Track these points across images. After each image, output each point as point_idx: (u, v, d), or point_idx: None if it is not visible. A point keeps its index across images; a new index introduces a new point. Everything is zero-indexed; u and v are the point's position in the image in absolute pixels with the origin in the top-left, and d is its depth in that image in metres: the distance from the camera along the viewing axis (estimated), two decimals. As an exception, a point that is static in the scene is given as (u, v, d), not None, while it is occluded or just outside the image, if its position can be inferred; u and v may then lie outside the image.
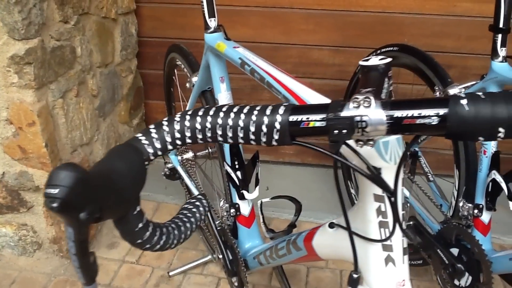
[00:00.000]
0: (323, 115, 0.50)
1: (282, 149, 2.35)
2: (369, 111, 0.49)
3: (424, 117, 0.47)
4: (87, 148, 1.80)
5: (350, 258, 0.71)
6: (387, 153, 0.62)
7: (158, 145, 0.56)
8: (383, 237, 0.66)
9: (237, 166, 1.27)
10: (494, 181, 1.27)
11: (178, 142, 0.57)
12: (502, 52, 1.25)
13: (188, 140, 0.57)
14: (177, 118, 0.56)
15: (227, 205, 1.33)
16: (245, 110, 0.54)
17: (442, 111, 0.47)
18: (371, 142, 0.52)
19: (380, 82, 0.57)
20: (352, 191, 1.98)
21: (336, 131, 0.49)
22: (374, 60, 0.60)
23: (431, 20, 2.00)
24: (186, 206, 0.70)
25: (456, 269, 1.35)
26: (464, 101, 0.46)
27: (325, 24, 2.05)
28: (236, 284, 1.34)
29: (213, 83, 1.23)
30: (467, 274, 1.33)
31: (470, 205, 1.35)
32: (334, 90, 2.14)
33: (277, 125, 0.52)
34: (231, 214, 1.32)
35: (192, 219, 0.68)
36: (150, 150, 0.55)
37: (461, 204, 1.37)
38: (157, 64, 2.08)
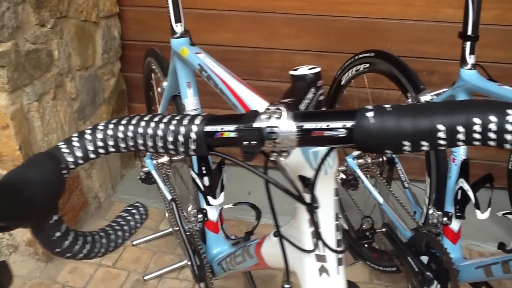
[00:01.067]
0: (236, 126, 0.50)
1: (266, 154, 2.34)
2: (279, 122, 0.48)
3: (332, 129, 0.47)
4: (65, 151, 1.80)
5: (293, 267, 0.71)
6: (317, 164, 0.61)
7: (79, 153, 0.55)
8: (317, 248, 0.66)
9: (204, 172, 1.27)
10: (462, 189, 1.26)
11: (101, 150, 0.56)
12: (470, 59, 1.25)
13: (112, 149, 0.56)
14: (100, 127, 0.56)
15: (195, 210, 1.33)
16: (164, 120, 0.54)
17: (349, 124, 0.46)
18: (284, 154, 0.51)
19: (302, 92, 0.57)
20: (332, 196, 1.97)
21: (246, 142, 0.49)
22: (303, 70, 0.60)
23: (414, 26, 1.99)
24: (121, 213, 0.69)
25: (425, 277, 1.34)
26: (370, 114, 0.45)
27: (307, 29, 2.05)
28: (204, 289, 1.34)
29: (180, 88, 1.23)
30: (436, 282, 1.32)
31: (439, 212, 1.34)
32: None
33: (193, 135, 0.52)
34: (199, 220, 1.31)
35: (126, 227, 0.67)
36: (70, 159, 0.55)
37: (431, 211, 1.37)
38: (141, 67, 2.09)
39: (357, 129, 0.46)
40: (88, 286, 1.72)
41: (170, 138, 0.53)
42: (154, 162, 1.66)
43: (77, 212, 1.90)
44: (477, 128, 0.43)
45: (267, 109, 0.49)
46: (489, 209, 1.23)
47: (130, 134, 0.54)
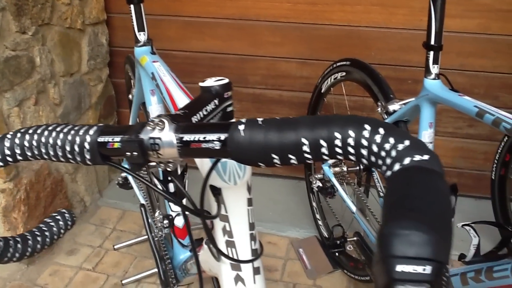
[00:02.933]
0: (121, 137, 0.51)
1: (253, 160, 2.35)
2: (162, 134, 0.49)
3: (208, 141, 0.48)
4: (48, 156, 1.84)
5: (217, 275, 0.72)
6: (226, 174, 0.62)
7: None
8: (230, 257, 0.66)
9: (168, 178, 1.28)
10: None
11: (9, 159, 0.58)
12: (434, 69, 1.24)
13: (19, 157, 0.58)
14: (9, 136, 0.58)
15: (161, 216, 1.34)
16: (65, 130, 0.55)
17: (223, 136, 0.47)
18: (170, 165, 0.52)
19: (202, 104, 0.58)
20: (314, 204, 1.98)
21: (129, 153, 0.50)
22: (210, 82, 0.61)
23: (397, 34, 1.99)
24: (46, 219, 0.71)
25: (391, 287, 1.34)
26: (241, 127, 0.46)
27: (291, 37, 2.06)
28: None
29: (145, 96, 1.25)
30: (401, 292, 1.32)
31: (405, 222, 1.33)
32: (303, 103, 2.14)
33: (87, 145, 0.53)
34: (164, 226, 1.33)
35: (47, 233, 0.69)
36: None
37: (397, 221, 1.36)
38: (129, 73, 2.12)
39: (230, 142, 0.46)
40: (66, 289, 1.75)
41: (68, 148, 0.54)
42: (131, 167, 1.68)
43: (61, 215, 1.93)
44: (338, 142, 0.44)
45: (151, 120, 0.50)
46: (452, 220, 1.22)
47: (34, 143, 0.56)
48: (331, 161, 1.68)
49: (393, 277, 0.30)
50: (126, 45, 2.22)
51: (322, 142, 0.44)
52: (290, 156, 0.45)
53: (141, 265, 1.86)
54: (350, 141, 0.43)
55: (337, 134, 0.44)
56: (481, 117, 1.06)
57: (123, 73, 2.25)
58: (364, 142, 0.42)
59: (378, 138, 0.42)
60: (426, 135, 1.25)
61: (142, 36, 1.21)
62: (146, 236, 1.96)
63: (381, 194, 1.61)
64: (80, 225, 2.05)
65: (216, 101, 0.60)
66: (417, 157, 0.38)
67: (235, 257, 0.66)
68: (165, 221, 1.33)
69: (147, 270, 1.81)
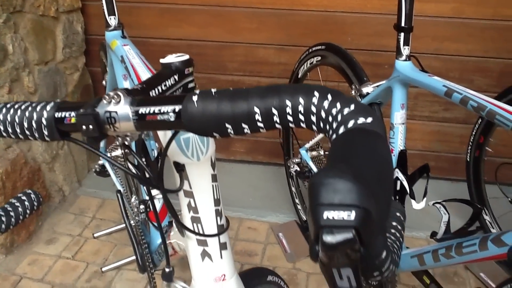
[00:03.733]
0: (77, 111, 0.51)
1: (233, 147, 2.36)
2: (118, 107, 0.50)
3: (163, 113, 0.48)
4: (24, 145, 1.82)
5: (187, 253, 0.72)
6: (189, 150, 0.63)
7: None
8: (194, 231, 0.67)
9: (144, 163, 1.28)
10: (397, 179, 1.27)
11: None
12: (405, 50, 1.26)
13: None
14: None
15: (137, 201, 1.34)
16: (23, 107, 0.55)
17: (177, 108, 0.47)
18: (127, 138, 0.53)
19: (160, 79, 0.58)
20: (293, 188, 1.99)
21: (84, 127, 0.50)
22: (171, 58, 0.61)
23: (373, 19, 2.00)
24: (11, 200, 0.71)
25: (366, 267, 1.36)
26: (195, 98, 0.47)
27: (268, 23, 2.06)
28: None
29: (117, 81, 1.25)
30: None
31: (379, 203, 1.35)
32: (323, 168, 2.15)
33: (44, 121, 0.53)
34: (141, 211, 1.33)
35: (12, 213, 0.68)
36: None
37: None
38: (106, 62, 2.11)
39: (184, 113, 0.47)
40: (46, 278, 1.74)
41: (26, 125, 0.54)
42: (108, 155, 1.67)
43: (39, 205, 1.91)
44: (288, 110, 0.45)
45: (107, 94, 0.50)
46: (425, 199, 1.24)
47: None
48: (308, 145, 1.70)
49: (320, 224, 0.31)
50: (102, 33, 2.19)
51: (274, 110, 0.45)
52: (243, 125, 0.46)
53: (121, 252, 1.86)
54: (300, 108, 0.44)
55: (287, 102, 0.44)
56: (449, 96, 1.08)
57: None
58: (313, 109, 0.43)
59: (326, 104, 0.42)
60: (398, 116, 1.27)
61: (112, 21, 1.20)
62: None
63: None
64: (59, 215, 2.03)
65: (175, 76, 0.60)
66: (361, 120, 0.39)
67: (201, 233, 0.67)
68: (141, 206, 1.33)
69: (127, 257, 1.81)
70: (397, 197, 1.31)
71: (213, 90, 0.48)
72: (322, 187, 0.31)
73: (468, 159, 1.86)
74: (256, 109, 0.45)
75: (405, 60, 1.25)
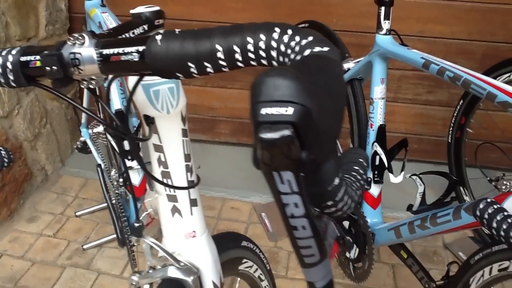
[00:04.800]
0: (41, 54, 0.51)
1: (217, 129, 2.35)
2: (82, 49, 0.49)
3: (127, 53, 0.48)
4: (6, 122, 1.80)
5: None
6: (158, 102, 0.63)
7: None
8: (167, 187, 0.67)
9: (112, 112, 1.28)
10: (376, 153, 1.28)
11: None
12: (385, 24, 1.26)
13: None
14: None
15: (117, 174, 1.34)
16: None
17: (141, 48, 0.47)
18: (93, 82, 0.52)
19: (128, 27, 0.58)
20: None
21: (48, 68, 0.50)
22: (141, 9, 0.61)
23: (358, 0, 2.00)
24: None
25: (345, 241, 1.37)
26: (158, 37, 0.47)
27: (254, 3, 2.05)
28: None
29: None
30: (355, 246, 1.35)
31: (359, 178, 1.36)
32: (266, 70, 2.14)
33: (10, 66, 0.52)
34: (120, 184, 1.33)
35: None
36: None
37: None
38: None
39: (147, 53, 0.47)
40: (26, 255, 1.73)
41: None
42: (90, 131, 1.67)
43: (20, 183, 1.90)
44: (250, 47, 0.45)
45: (72, 36, 0.50)
46: (402, 173, 1.26)
47: None
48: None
49: (258, 120, 0.31)
50: (86, 11, 2.18)
51: (236, 48, 0.45)
52: (206, 64, 0.46)
53: (103, 230, 1.85)
54: (261, 44, 0.44)
55: (249, 39, 0.44)
56: (427, 67, 1.09)
57: (84, 41, 2.22)
58: (274, 44, 0.43)
59: (286, 38, 0.43)
60: (378, 91, 1.28)
61: (92, -11, 1.18)
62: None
63: (338, 154, 1.64)
64: (41, 193, 2.02)
65: (145, 26, 0.60)
66: (317, 49, 0.40)
67: (169, 184, 0.67)
68: (121, 179, 1.33)
69: (109, 235, 1.80)
70: (376, 172, 1.32)
71: (177, 30, 0.48)
72: (263, 84, 0.32)
73: (450, 140, 1.88)
74: (219, 47, 0.45)
75: (386, 34, 1.26)
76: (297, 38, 0.42)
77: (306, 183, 0.40)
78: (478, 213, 0.59)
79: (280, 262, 1.75)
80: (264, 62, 0.45)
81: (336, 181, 0.41)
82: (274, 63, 0.44)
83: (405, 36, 2.02)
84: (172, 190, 0.67)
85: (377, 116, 1.30)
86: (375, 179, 1.32)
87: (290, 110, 0.30)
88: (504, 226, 0.57)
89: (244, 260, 0.91)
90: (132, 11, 0.60)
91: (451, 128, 1.87)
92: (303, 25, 1.65)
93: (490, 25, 1.96)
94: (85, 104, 1.68)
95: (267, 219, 1.92)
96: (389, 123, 2.21)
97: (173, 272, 0.68)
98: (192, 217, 0.69)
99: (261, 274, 0.99)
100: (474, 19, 1.96)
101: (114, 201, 1.36)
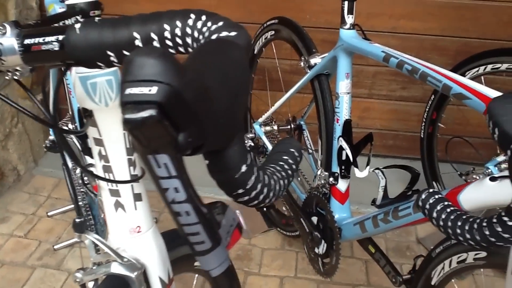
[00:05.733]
0: None
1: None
2: (3, 39, 0.48)
3: (47, 43, 0.47)
4: (-26, 121, 1.77)
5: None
6: (96, 95, 0.62)
7: None
8: (98, 175, 0.66)
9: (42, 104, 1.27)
10: (342, 148, 1.28)
11: None
12: (349, 19, 1.26)
13: None
14: None
15: (78, 169, 1.33)
16: None
17: (61, 37, 0.46)
18: (17, 73, 0.51)
19: (61, 18, 0.57)
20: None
21: None
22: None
23: (331, -4, 1.99)
24: None
25: (313, 237, 1.37)
26: (77, 26, 0.46)
27: (227, 0, 2.04)
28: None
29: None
30: (323, 241, 1.35)
31: (326, 173, 1.36)
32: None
33: None
34: (85, 182, 1.31)
35: None
36: None
37: (319, 172, 1.39)
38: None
39: (67, 42, 0.46)
40: (-4, 256, 1.71)
41: None
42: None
43: (-9, 183, 1.88)
44: (167, 34, 0.44)
45: None
46: (368, 167, 1.26)
47: None
48: (261, 120, 1.69)
49: (122, 101, 0.30)
50: (58, 9, 2.15)
51: (153, 35, 0.44)
52: (125, 52, 0.45)
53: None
54: (177, 31, 0.43)
55: (166, 26, 0.44)
56: (387, 61, 1.09)
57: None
58: (189, 30, 0.43)
59: (199, 24, 0.42)
60: (343, 85, 1.27)
61: (51, -16, 1.17)
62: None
63: (310, 150, 1.64)
64: (13, 194, 1.99)
65: (79, 17, 0.59)
66: (224, 33, 0.39)
67: (110, 179, 0.66)
68: (85, 179, 1.31)
69: (81, 235, 1.78)
70: (343, 167, 1.32)
71: (97, 18, 0.47)
72: (129, 63, 0.31)
73: (422, 136, 1.89)
74: (136, 35, 0.44)
75: (349, 28, 1.26)
76: (209, 24, 0.41)
77: (211, 170, 0.40)
78: (420, 203, 0.59)
79: (253, 259, 1.74)
80: (181, 49, 0.44)
81: (243, 168, 0.40)
82: (190, 50, 0.43)
83: (378, 32, 2.05)
84: (114, 184, 0.66)
85: (343, 111, 1.30)
86: (342, 174, 1.32)
87: (154, 90, 0.30)
88: (443, 216, 0.57)
89: (201, 256, 0.90)
90: (66, 2, 0.59)
91: (423, 124, 1.88)
92: (272, 21, 1.65)
93: (462, 21, 1.98)
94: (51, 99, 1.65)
95: (241, 216, 1.91)
96: (365, 120, 2.23)
97: (116, 268, 0.67)
98: (137, 212, 0.68)
99: (221, 270, 0.98)
100: (447, 15, 1.97)
101: (80, 200, 1.34)
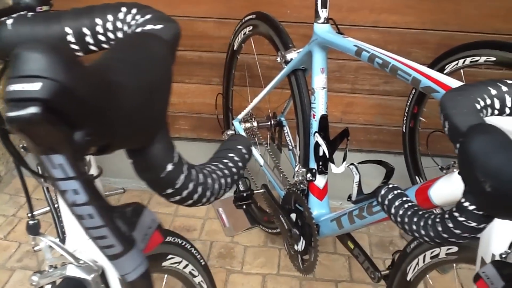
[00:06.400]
0: None
1: (177, 124, 2.32)
2: None
3: None
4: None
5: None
6: None
7: None
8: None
9: None
10: (318, 144, 1.27)
11: None
12: (323, 13, 1.25)
13: None
14: None
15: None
16: None
17: None
18: None
19: (5, 13, 0.55)
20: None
21: None
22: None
23: (312, -9, 1.98)
24: None
25: (292, 233, 1.36)
26: (9, 21, 0.44)
27: (208, -5, 2.03)
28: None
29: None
30: (302, 238, 1.34)
31: (303, 169, 1.35)
32: (223, 64, 2.11)
33: None
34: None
35: None
36: None
37: (296, 169, 1.37)
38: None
39: None
40: (-26, 259, 1.69)
41: None
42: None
43: (-31, 185, 1.85)
44: (99, 29, 0.42)
45: None
46: (344, 163, 1.24)
47: None
48: (240, 116, 1.68)
49: (5, 98, 0.29)
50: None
51: (85, 30, 0.43)
52: None
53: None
54: (109, 25, 0.42)
55: (98, 20, 0.42)
56: (359, 55, 1.07)
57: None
58: (119, 25, 0.41)
59: (129, 18, 0.41)
60: (319, 80, 1.26)
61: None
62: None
63: (290, 147, 1.63)
64: (-7, 195, 1.97)
65: (22, 13, 0.57)
66: (149, 27, 0.38)
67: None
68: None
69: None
70: (320, 163, 1.30)
71: (31, 14, 0.45)
72: (15, 58, 0.29)
73: (404, 130, 1.88)
74: (68, 30, 0.43)
75: (323, 22, 1.24)
76: (138, 17, 0.40)
77: (135, 169, 0.38)
78: (379, 199, 0.58)
79: (235, 257, 1.73)
80: (106, 46, 0.43)
81: (169, 167, 0.38)
82: (110, 44, 0.42)
83: (359, 27, 2.04)
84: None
85: (319, 106, 1.29)
86: (320, 170, 1.31)
87: (37, 86, 0.28)
88: (401, 212, 0.55)
89: (170, 256, 0.89)
90: (12, -2, 0.57)
91: (405, 118, 1.87)
92: (250, 16, 1.63)
93: (443, 14, 1.96)
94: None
95: (224, 214, 1.90)
96: (348, 115, 2.22)
97: (72, 271, 0.65)
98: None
99: (193, 269, 0.97)
100: (427, 8, 1.96)
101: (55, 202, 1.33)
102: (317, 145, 1.27)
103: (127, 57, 0.33)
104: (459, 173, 0.46)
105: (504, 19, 1.92)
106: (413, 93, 1.78)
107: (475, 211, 0.44)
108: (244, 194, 1.49)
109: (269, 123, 1.67)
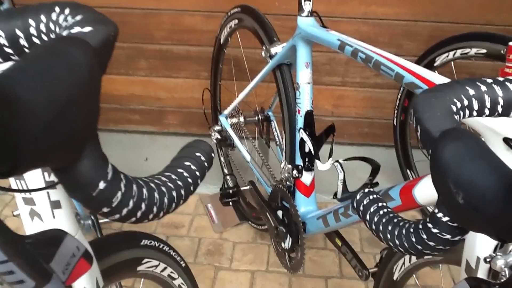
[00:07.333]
0: None
1: (166, 120, 2.29)
2: None
3: None
4: None
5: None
6: None
7: None
8: (21, 189, 0.61)
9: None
10: (303, 141, 1.24)
11: None
12: (306, 6, 1.21)
13: None
14: None
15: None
16: None
17: None
18: None
19: None
20: (222, 158, 1.95)
21: None
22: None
23: (300, -18, 1.94)
24: None
25: (279, 231, 1.33)
26: None
27: (193, -12, 1.98)
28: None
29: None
30: (288, 236, 1.31)
31: (289, 166, 1.32)
32: (211, 58, 2.08)
33: None
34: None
35: None
36: None
37: (282, 165, 1.35)
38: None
39: None
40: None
41: None
42: None
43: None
44: (33, 31, 0.39)
45: None
46: (330, 159, 1.21)
47: None
48: (227, 111, 1.65)
49: None
50: (32, 2, 2.08)
51: (19, 32, 0.39)
52: None
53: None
54: (42, 27, 0.39)
55: (31, 21, 0.39)
56: (342, 49, 1.04)
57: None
58: (52, 26, 0.38)
59: (61, 19, 0.37)
60: (303, 75, 1.23)
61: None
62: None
63: (277, 143, 1.60)
64: (-21, 194, 1.94)
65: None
66: (76, 29, 0.34)
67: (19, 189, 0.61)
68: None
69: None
70: (306, 159, 1.28)
71: None
72: None
73: (395, 123, 1.85)
74: (0, 32, 0.39)
75: (307, 16, 1.21)
76: (69, 18, 0.36)
77: (65, 189, 0.35)
78: (355, 205, 0.55)
79: (224, 254, 1.71)
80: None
81: (101, 185, 0.35)
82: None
83: (349, 18, 2.00)
84: (27, 192, 0.61)
85: (304, 102, 1.25)
86: (306, 166, 1.28)
87: None
88: (375, 219, 0.53)
89: (146, 260, 0.86)
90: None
91: (395, 111, 1.85)
92: (235, 9, 1.60)
93: (434, 5, 1.93)
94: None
95: (213, 210, 1.88)
96: (339, 108, 2.19)
97: (34, 281, 0.62)
98: (55, 220, 0.63)
99: (172, 272, 0.94)
100: (418, -1, 1.93)
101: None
102: (302, 142, 1.24)
103: (37, 67, 0.29)
104: (432, 182, 0.43)
105: (496, 10, 1.89)
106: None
107: (449, 223, 0.41)
108: (231, 191, 1.46)
109: (256, 118, 1.64)
